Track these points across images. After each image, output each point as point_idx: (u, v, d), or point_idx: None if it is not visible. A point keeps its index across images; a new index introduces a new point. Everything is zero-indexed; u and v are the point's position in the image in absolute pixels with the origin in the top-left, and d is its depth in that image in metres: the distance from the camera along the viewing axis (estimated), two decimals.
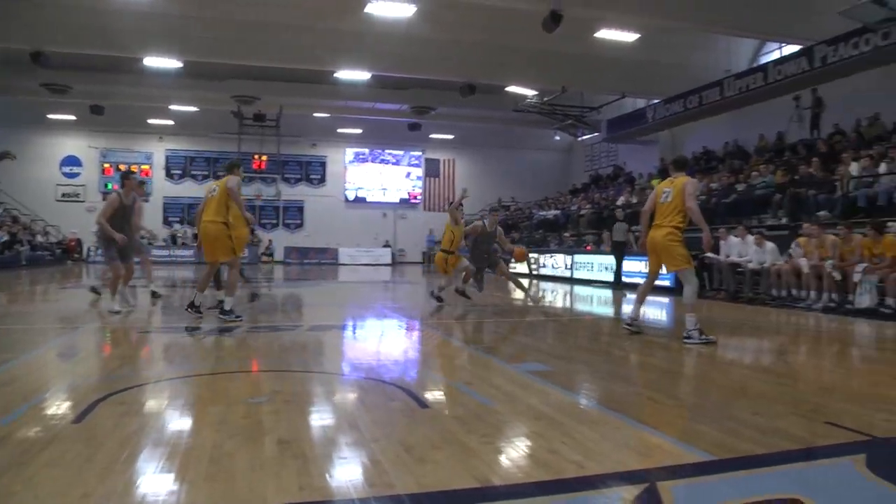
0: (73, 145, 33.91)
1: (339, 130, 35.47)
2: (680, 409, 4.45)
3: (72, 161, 34.07)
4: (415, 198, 38.66)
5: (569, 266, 20.82)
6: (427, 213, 38.28)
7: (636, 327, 7.85)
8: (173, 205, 34.80)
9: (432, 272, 28.60)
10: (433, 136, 36.23)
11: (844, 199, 13.83)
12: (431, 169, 38.71)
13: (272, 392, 4.59)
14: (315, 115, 32.93)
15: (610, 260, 17.74)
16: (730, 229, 14.34)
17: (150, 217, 31.61)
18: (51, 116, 31.45)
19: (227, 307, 8.58)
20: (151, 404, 4.34)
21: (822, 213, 13.88)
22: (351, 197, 37.62)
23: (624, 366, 6.34)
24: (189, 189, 34.54)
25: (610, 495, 2.79)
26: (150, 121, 32.81)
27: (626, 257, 16.64)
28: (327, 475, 2.96)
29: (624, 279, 16.39)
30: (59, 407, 4.21)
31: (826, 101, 19.37)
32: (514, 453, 3.37)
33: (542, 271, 22.28)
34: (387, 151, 38.00)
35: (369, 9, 17.83)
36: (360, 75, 24.76)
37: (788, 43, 20.63)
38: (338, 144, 36.94)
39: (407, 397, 4.53)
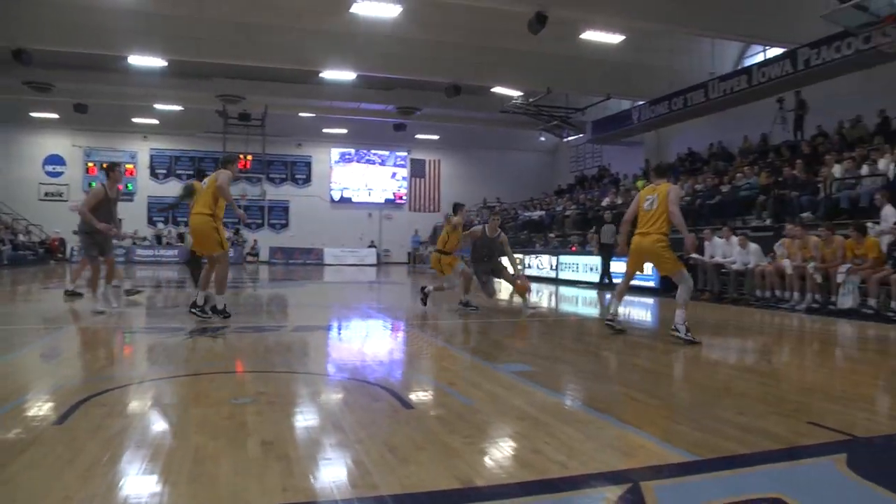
0: (57, 144, 33.71)
1: (325, 130, 35.43)
2: (664, 409, 4.47)
3: (55, 160, 33.86)
4: (400, 198, 38.66)
5: (554, 267, 20.88)
6: (412, 214, 38.34)
7: (617, 324, 7.94)
8: (158, 204, 34.58)
9: (418, 272, 28.65)
10: (419, 136, 36.29)
11: (827, 201, 13.95)
12: (417, 169, 38.74)
13: (256, 393, 4.57)
14: (300, 114, 32.91)
15: (595, 261, 17.81)
16: (714, 230, 14.45)
17: (135, 217, 31.70)
18: (34, 115, 31.24)
19: (219, 306, 8.48)
20: (134, 405, 4.31)
21: (805, 214, 13.98)
22: (336, 197, 37.58)
23: (608, 366, 6.36)
24: (174, 189, 34.15)
25: (594, 495, 2.80)
26: (135, 120, 32.67)
27: (613, 258, 16.68)
28: (311, 476, 2.95)
29: (615, 280, 16.43)
30: (40, 408, 4.17)
31: (809, 103, 19.55)
32: (498, 454, 3.37)
33: (528, 272, 22.31)
34: (372, 152, 38.00)
35: (355, 9, 17.83)
36: (346, 75, 24.74)
37: (772, 46, 20.81)
38: (323, 144, 36.90)
39: (391, 398, 4.52)
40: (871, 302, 10.41)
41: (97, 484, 2.80)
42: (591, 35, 19.68)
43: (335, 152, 37.55)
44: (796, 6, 16.72)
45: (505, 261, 11.18)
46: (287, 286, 18.73)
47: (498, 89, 26.30)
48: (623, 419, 4.05)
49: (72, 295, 11.48)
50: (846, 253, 11.06)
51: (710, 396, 4.88)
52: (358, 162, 38.04)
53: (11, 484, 2.80)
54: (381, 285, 20.49)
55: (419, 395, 4.79)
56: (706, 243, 14.09)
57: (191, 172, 34.37)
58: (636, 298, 14.10)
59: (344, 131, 35.71)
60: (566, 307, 13.61)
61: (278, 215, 36.81)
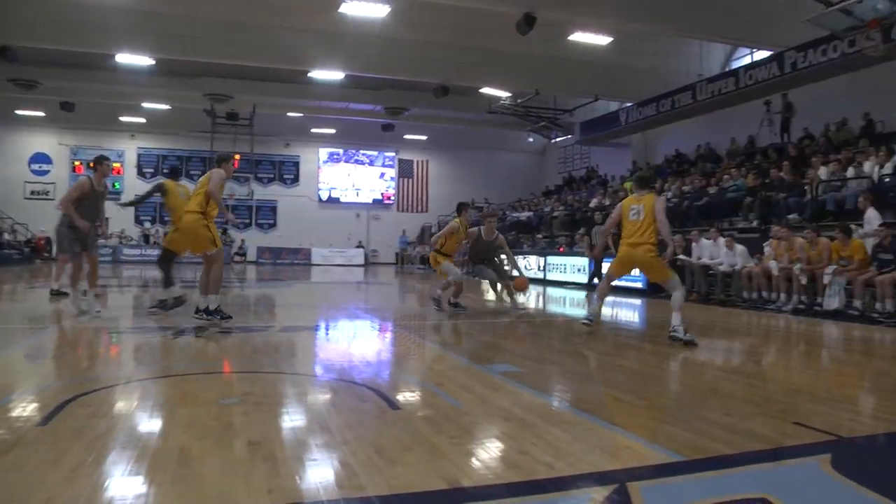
0: (43, 142, 33.50)
1: (313, 130, 35.38)
2: (651, 411, 4.48)
3: (41, 158, 33.65)
4: (388, 198, 38.63)
5: (541, 267, 20.91)
6: (400, 214, 38.34)
7: (591, 324, 8.10)
8: (145, 203, 34.22)
9: (405, 273, 28.64)
10: (407, 136, 36.28)
11: (814, 203, 14.04)
12: (405, 170, 38.73)
13: (243, 394, 4.55)
14: (289, 114, 32.87)
15: (582, 261, 17.85)
16: (702, 232, 14.51)
17: (122, 216, 31.47)
18: (19, 112, 31.02)
19: (211, 307, 8.23)
20: (120, 406, 4.28)
21: (791, 216, 14.07)
22: (324, 197, 37.52)
23: (595, 367, 6.37)
24: None
25: (580, 496, 2.80)
26: (122, 118, 32.52)
27: (605, 259, 16.68)
28: (297, 477, 2.94)
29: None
30: (24, 409, 4.13)
31: (796, 106, 19.69)
32: (485, 454, 3.37)
33: (515, 273, 22.29)
34: (360, 152, 37.96)
35: (343, 8, 17.79)
36: (334, 75, 24.70)
37: (759, 49, 20.94)
38: (311, 144, 36.84)
39: (378, 399, 4.51)
40: (857, 303, 10.49)
41: (82, 485, 2.78)
42: (579, 37, 19.72)
43: (323, 152, 37.49)
44: (783, 10, 16.82)
45: (505, 262, 11.23)
46: (274, 286, 18.67)
47: (486, 90, 26.31)
48: (610, 420, 4.06)
49: (57, 294, 11.38)
50: (832, 255, 11.13)
51: (697, 397, 4.90)
52: (346, 162, 37.99)
53: None
54: (369, 286, 20.46)
55: (406, 396, 4.78)
56: (693, 244, 14.16)
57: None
58: (623, 299, 14.15)
59: (332, 131, 35.66)
60: (554, 308, 13.64)
61: (266, 215, 36.71)
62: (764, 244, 12.95)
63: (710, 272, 13.56)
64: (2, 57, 20.15)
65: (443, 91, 24.90)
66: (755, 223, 15.21)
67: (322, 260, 34.67)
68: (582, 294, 15.76)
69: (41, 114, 31.19)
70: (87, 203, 8.99)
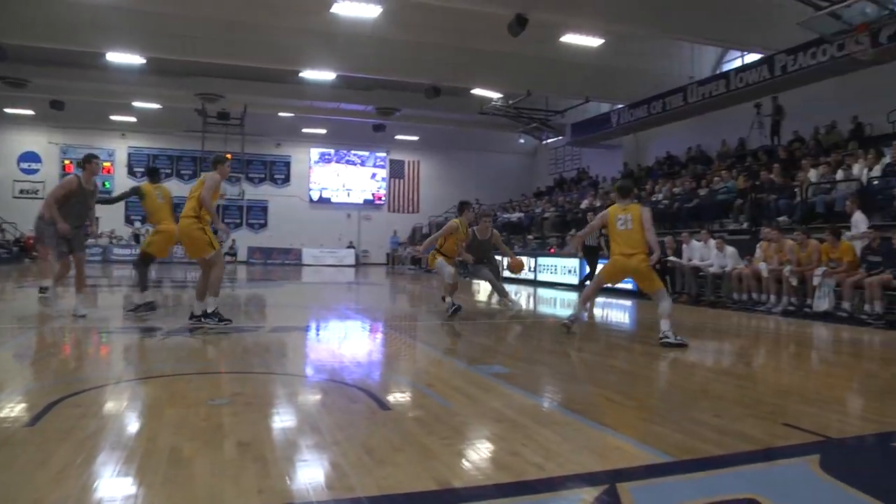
0: (32, 141, 33.30)
1: (304, 130, 35.30)
2: (641, 411, 4.49)
3: (30, 157, 33.45)
4: (379, 199, 38.58)
5: (532, 269, 20.92)
6: (391, 215, 38.30)
7: (572, 325, 8.17)
8: (135, 203, 34.09)
9: (396, 273, 28.61)
10: (398, 137, 36.22)
11: (804, 205, 14.10)
12: (396, 170, 38.68)
13: (233, 394, 4.54)
14: (280, 114, 32.76)
15: (573, 263, 17.87)
16: (692, 233, 14.56)
17: (112, 215, 31.38)
18: (8, 111, 30.82)
19: (209, 309, 8.05)
20: (109, 406, 4.26)
21: (781, 218, 14.14)
22: (315, 197, 37.44)
23: (586, 368, 6.38)
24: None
25: (570, 497, 2.80)
26: (113, 117, 32.34)
27: (599, 260, 16.70)
28: (287, 478, 2.94)
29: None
30: (12, 409, 4.10)
31: (786, 108, 19.79)
32: (475, 455, 3.37)
33: (505, 273, 22.30)
34: (352, 152, 37.88)
35: (335, 9, 17.74)
36: (326, 75, 24.66)
37: (750, 51, 21.01)
38: (302, 144, 36.75)
39: (368, 399, 4.51)
40: (846, 305, 10.54)
41: (70, 486, 2.77)
42: (570, 38, 19.74)
43: (314, 152, 37.41)
44: (773, 13, 16.89)
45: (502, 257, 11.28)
46: (265, 286, 18.63)
47: (477, 91, 26.32)
48: (600, 421, 4.06)
49: (45, 292, 11.28)
50: (821, 256, 11.18)
51: (687, 398, 4.91)
52: (337, 162, 37.92)
53: None
54: (360, 286, 20.43)
55: (397, 397, 4.78)
56: (684, 246, 14.21)
57: (169, 171, 34.14)
58: (614, 300, 14.18)
59: (323, 131, 35.59)
60: (544, 309, 13.65)
61: (257, 215, 36.61)
62: (757, 247, 13.00)
63: (701, 274, 13.60)
64: None
65: (434, 92, 24.90)
66: (745, 225, 15.26)
67: (313, 260, 34.58)
68: (572, 295, 15.77)
69: (31, 112, 30.99)
70: (74, 202, 8.81)
